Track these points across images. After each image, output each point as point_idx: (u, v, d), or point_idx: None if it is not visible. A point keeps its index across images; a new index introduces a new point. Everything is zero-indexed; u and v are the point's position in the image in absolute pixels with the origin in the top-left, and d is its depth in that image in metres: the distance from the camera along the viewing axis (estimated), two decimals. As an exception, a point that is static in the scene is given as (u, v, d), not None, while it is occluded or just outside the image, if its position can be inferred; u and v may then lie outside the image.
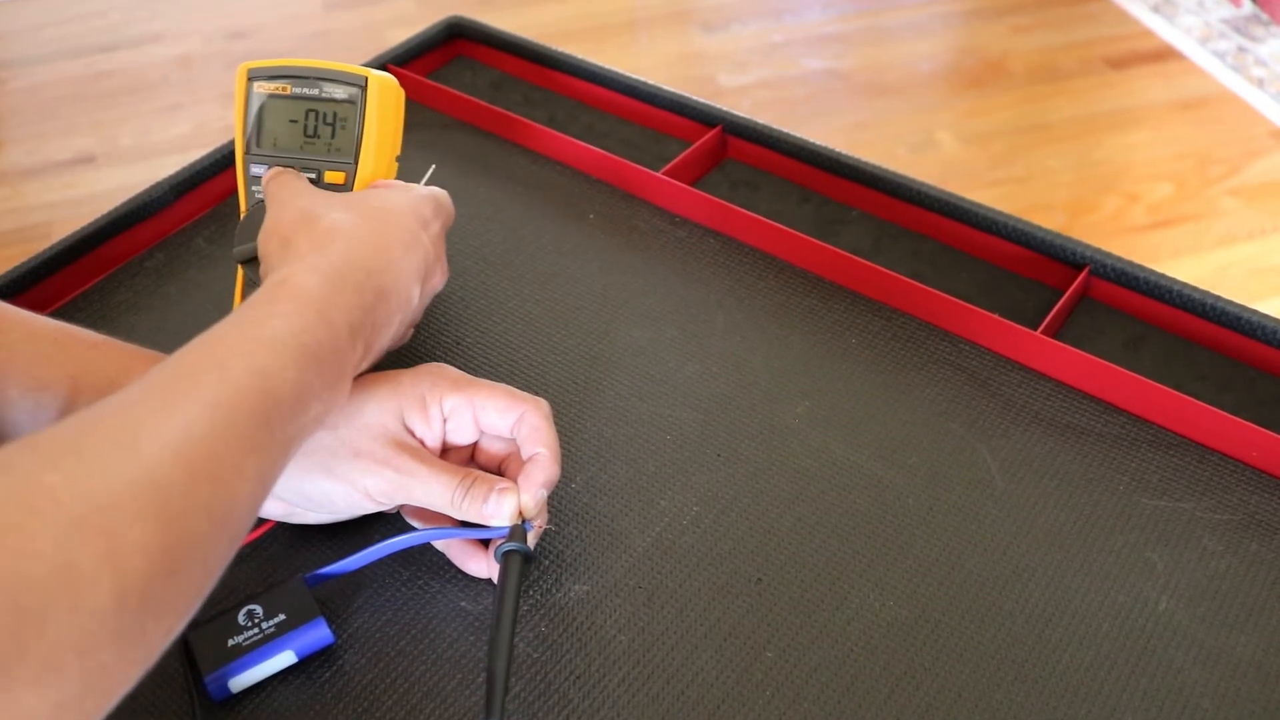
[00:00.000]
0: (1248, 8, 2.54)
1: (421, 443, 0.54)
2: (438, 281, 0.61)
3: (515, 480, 0.54)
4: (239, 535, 0.42)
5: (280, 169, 0.62)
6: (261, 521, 0.58)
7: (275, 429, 0.43)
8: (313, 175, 0.63)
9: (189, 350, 0.45)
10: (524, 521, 0.53)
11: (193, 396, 0.41)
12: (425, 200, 0.60)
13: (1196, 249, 1.94)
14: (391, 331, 0.54)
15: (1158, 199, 2.04)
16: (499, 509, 0.52)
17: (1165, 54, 2.41)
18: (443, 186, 0.81)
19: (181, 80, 2.42)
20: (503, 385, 0.56)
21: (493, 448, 0.57)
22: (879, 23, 2.55)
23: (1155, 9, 2.54)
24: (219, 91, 2.37)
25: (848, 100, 2.31)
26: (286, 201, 0.57)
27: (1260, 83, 2.31)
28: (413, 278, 0.56)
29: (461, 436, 0.56)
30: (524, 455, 0.55)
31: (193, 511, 0.38)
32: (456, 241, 0.76)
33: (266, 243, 0.55)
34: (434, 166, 0.72)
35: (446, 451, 0.57)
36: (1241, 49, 2.41)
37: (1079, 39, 2.46)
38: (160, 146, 2.24)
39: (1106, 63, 2.38)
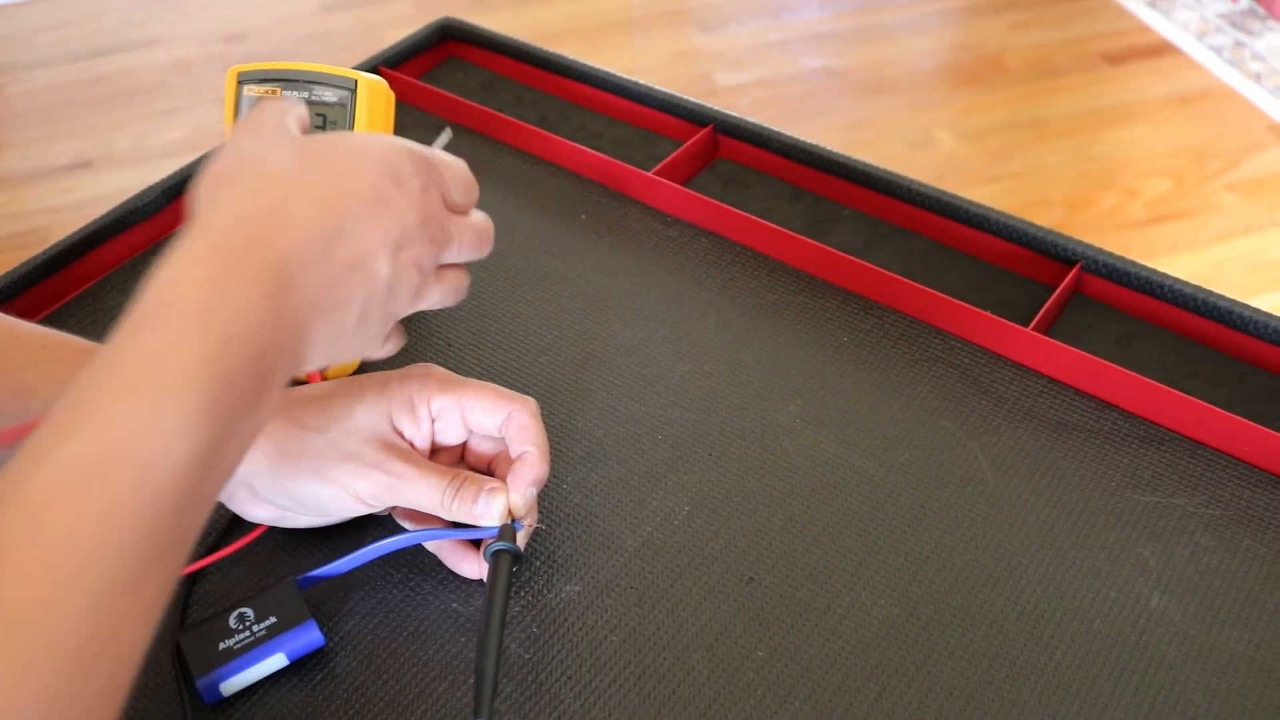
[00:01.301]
0: (1244, 2, 2.53)
1: (411, 444, 0.54)
2: (422, 251, 0.48)
3: (504, 480, 0.54)
4: (139, 659, 0.37)
5: (271, 99, 0.55)
6: (253, 527, 0.58)
7: (175, 528, 0.37)
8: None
9: (66, 439, 0.35)
10: (513, 521, 0.53)
11: (73, 540, 0.34)
12: (402, 154, 0.48)
13: (1194, 244, 1.94)
14: (353, 311, 0.44)
15: (1155, 194, 2.03)
16: (488, 509, 0.52)
17: (1162, 49, 2.41)
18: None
19: (178, 84, 2.43)
20: (490, 385, 0.56)
21: (482, 448, 0.57)
22: (876, 20, 2.55)
23: (1152, 4, 2.54)
24: (216, 95, 2.37)
25: (845, 98, 2.31)
26: (240, 138, 0.47)
27: (1257, 77, 2.31)
28: (377, 245, 0.45)
29: (450, 437, 0.56)
30: (512, 454, 0.55)
31: (89, 685, 0.33)
32: (448, 243, 0.76)
33: (197, 185, 0.45)
34: (449, 132, 0.61)
35: (436, 453, 0.57)
36: (1238, 43, 2.41)
37: (1076, 35, 2.45)
38: (157, 150, 2.24)
39: (1103, 58, 2.38)
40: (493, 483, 0.53)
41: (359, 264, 0.44)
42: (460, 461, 0.58)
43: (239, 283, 0.40)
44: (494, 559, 0.52)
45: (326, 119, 0.64)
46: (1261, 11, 2.51)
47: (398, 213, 0.46)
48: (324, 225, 0.43)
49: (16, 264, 0.73)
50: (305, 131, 0.49)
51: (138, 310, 0.39)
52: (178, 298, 0.39)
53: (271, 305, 0.40)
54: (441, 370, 0.56)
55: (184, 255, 0.40)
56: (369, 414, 0.53)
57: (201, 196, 0.44)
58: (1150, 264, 0.69)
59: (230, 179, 0.44)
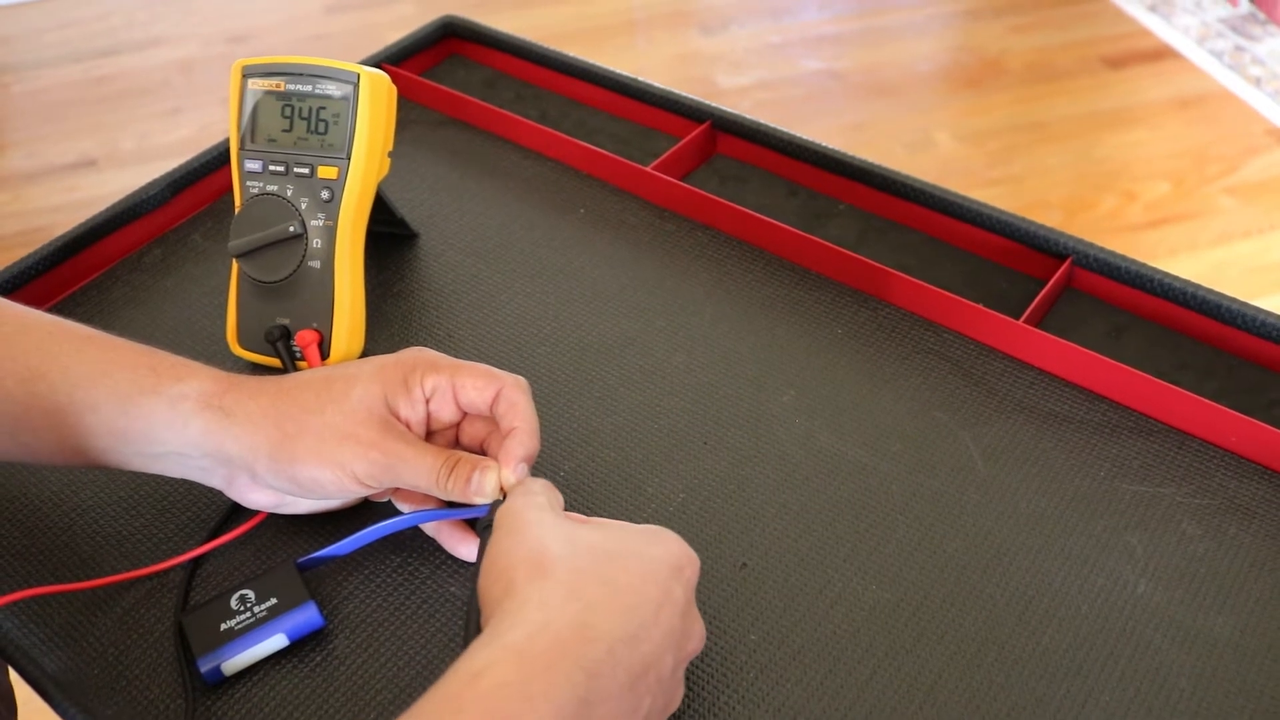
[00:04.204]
0: (1245, 7, 2.54)
1: (407, 425, 0.55)
2: (695, 645, 0.50)
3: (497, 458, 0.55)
4: None
5: (529, 479, 0.54)
6: (252, 514, 0.59)
7: None
8: (306, 170, 0.64)
9: None
10: (505, 497, 0.54)
11: None
12: (682, 549, 0.50)
13: (1194, 247, 1.95)
14: (639, 715, 0.45)
15: (1155, 197, 2.04)
16: (481, 486, 0.53)
17: (1163, 53, 2.42)
18: (436, 183, 0.82)
19: (182, 84, 2.44)
20: (482, 365, 0.57)
21: (475, 428, 0.58)
22: (876, 23, 2.56)
23: (1152, 8, 2.55)
24: (219, 95, 2.38)
25: (845, 100, 2.32)
26: (522, 532, 0.49)
27: (1257, 81, 2.32)
28: (665, 645, 0.46)
29: (444, 417, 0.57)
30: (503, 432, 0.56)
31: None
32: (449, 237, 0.78)
33: (491, 581, 0.47)
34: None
35: (431, 435, 0.58)
36: (1239, 48, 2.42)
37: (1076, 38, 2.46)
38: (161, 150, 2.25)
39: (1104, 62, 2.39)
40: (486, 461, 0.54)
41: (650, 669, 0.45)
42: (455, 444, 0.59)
43: (545, 695, 0.41)
44: (484, 535, 0.53)
45: (330, 112, 0.65)
46: (1262, 16, 2.52)
47: (679, 606, 0.48)
48: (622, 633, 0.44)
49: (21, 260, 0.75)
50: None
51: (460, 687, 0.41)
52: (480, 695, 0.41)
53: (570, 712, 0.41)
54: (434, 352, 0.57)
55: (487, 654, 0.43)
56: (365, 395, 0.54)
57: (498, 588, 0.46)
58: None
59: (529, 578, 0.46)
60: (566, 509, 0.59)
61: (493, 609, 0.46)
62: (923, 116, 2.26)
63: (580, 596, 0.45)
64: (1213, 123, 2.22)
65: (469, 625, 0.48)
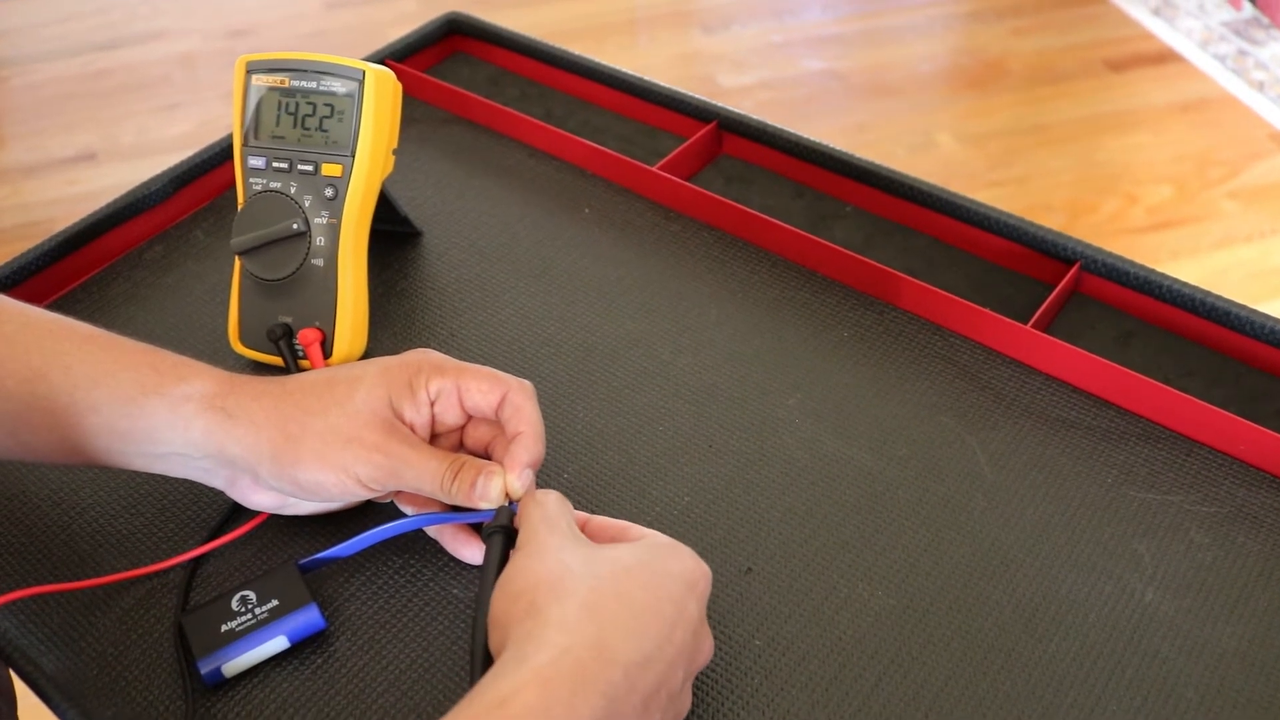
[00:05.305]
0: (1248, 11, 2.54)
1: (411, 428, 0.55)
2: (705, 658, 0.50)
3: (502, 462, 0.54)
4: None
5: (538, 490, 0.53)
6: (254, 514, 0.58)
7: None
8: (310, 167, 0.64)
9: None
10: (511, 503, 0.53)
11: None
12: (697, 564, 0.50)
13: (1195, 251, 1.94)
14: None
15: (1157, 201, 2.04)
16: (486, 491, 0.53)
17: (1165, 57, 2.41)
18: (440, 181, 0.82)
19: (183, 78, 2.43)
20: (487, 368, 0.56)
21: (479, 432, 0.58)
22: (878, 24, 2.55)
23: (1156, 12, 2.54)
24: (220, 90, 2.38)
25: (847, 101, 2.32)
26: (542, 551, 0.48)
27: (1260, 86, 2.31)
28: (678, 662, 0.47)
29: (449, 420, 0.57)
30: (508, 436, 0.55)
31: None
32: (453, 235, 0.77)
33: (511, 600, 0.47)
34: None
35: (435, 438, 0.57)
36: (1242, 52, 2.42)
37: (1079, 41, 2.46)
38: (162, 144, 2.24)
39: (1106, 65, 2.39)
40: (491, 466, 0.53)
41: (663, 685, 0.46)
42: (460, 447, 0.58)
43: (574, 710, 0.42)
44: (489, 540, 0.52)
45: (334, 109, 0.64)
46: (1265, 20, 2.51)
47: (692, 623, 0.48)
48: (638, 655, 0.45)
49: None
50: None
51: (487, 708, 0.42)
52: (532, 709, 0.42)
53: None
54: (439, 354, 0.57)
55: (513, 680, 0.43)
56: (369, 398, 0.54)
57: (520, 607, 0.46)
58: (1150, 266, 0.70)
59: (549, 598, 0.46)
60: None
61: (513, 627, 0.46)
62: (924, 118, 2.25)
63: (597, 615, 0.45)
64: (1215, 127, 2.22)
65: (475, 639, 0.48)
